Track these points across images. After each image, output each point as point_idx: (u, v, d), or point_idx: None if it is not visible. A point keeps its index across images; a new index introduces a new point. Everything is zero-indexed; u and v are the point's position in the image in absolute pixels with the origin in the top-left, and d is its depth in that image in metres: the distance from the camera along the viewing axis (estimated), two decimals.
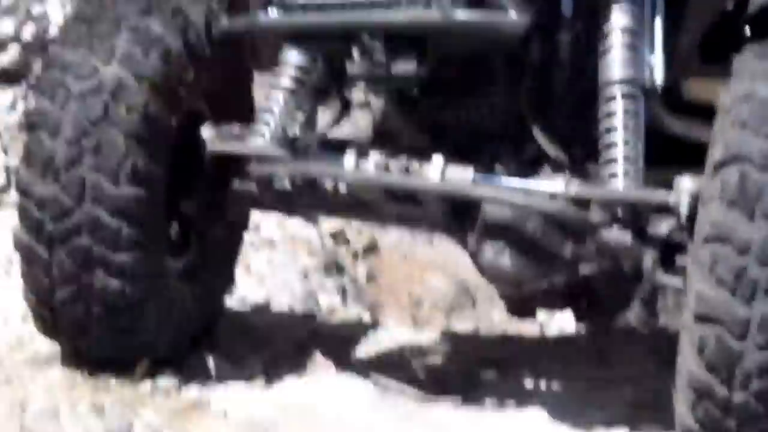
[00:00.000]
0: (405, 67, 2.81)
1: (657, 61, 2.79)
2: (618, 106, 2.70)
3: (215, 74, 3.15)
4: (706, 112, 2.80)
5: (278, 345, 3.57)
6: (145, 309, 2.94)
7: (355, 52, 2.89)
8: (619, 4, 2.76)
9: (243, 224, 3.57)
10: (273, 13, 2.93)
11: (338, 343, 3.71)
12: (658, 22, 2.83)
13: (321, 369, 3.32)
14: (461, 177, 2.82)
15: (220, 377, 3.15)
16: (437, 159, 2.83)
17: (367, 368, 3.49)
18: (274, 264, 4.42)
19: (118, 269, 2.84)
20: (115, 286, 2.85)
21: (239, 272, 4.22)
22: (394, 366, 3.59)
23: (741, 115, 2.30)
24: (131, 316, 2.92)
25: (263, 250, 4.44)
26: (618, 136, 2.68)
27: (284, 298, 4.24)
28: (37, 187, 2.82)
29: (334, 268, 4.73)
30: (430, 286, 4.91)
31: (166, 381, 2.96)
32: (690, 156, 2.78)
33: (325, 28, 2.96)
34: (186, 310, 3.14)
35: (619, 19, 2.74)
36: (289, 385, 3.18)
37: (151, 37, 2.89)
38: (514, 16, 2.64)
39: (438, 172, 2.81)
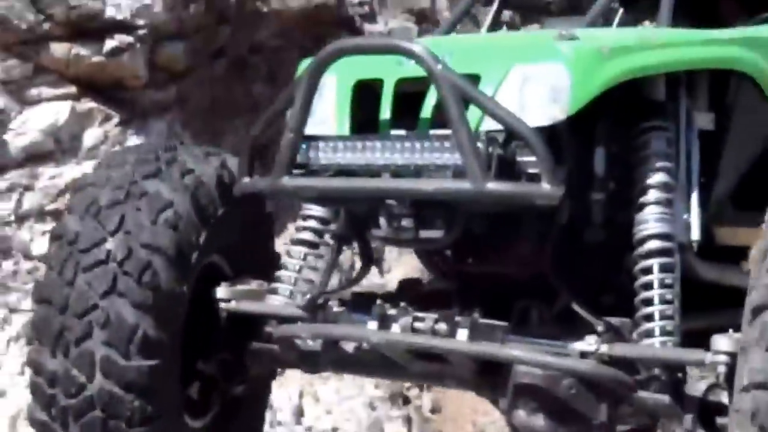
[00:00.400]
0: (432, 232, 2.67)
1: (693, 216, 2.78)
2: (654, 262, 2.63)
3: (231, 231, 3.12)
4: (738, 256, 2.80)
5: None
6: None
7: (381, 215, 2.72)
8: (653, 161, 2.71)
9: (267, 380, 3.49)
10: (296, 175, 2.76)
11: None
12: (694, 178, 2.83)
13: None
14: (490, 338, 2.69)
15: None
16: (465, 320, 2.71)
17: None
18: (341, 394, 4.50)
19: None
20: None
21: (308, 402, 4.29)
22: None
23: None
24: None
25: (331, 381, 4.54)
26: (654, 293, 2.62)
27: (351, 428, 4.30)
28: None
29: (400, 398, 4.79)
30: (494, 417, 4.93)
31: None
32: (724, 300, 2.78)
33: (351, 193, 2.77)
34: None
35: (654, 177, 2.70)
36: None
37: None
38: (547, 188, 2.47)
39: (466, 334, 2.68)
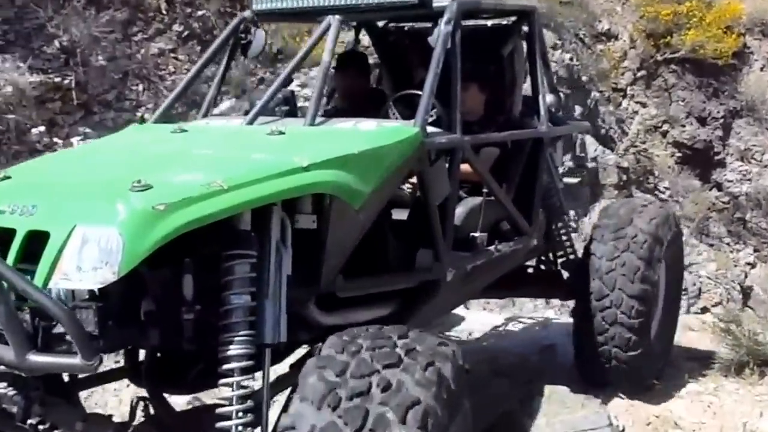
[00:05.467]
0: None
1: (282, 320, 2.97)
2: (234, 381, 2.81)
3: None
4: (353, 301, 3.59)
5: None
6: None
7: None
8: (236, 286, 2.86)
9: None
10: None
11: None
12: (282, 290, 2.99)
13: None
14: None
15: None
16: None
17: None
18: None
19: None
20: None
21: None
22: None
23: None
24: None
25: None
26: (234, 399, 2.80)
27: None
28: None
29: None
30: None
31: None
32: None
33: None
34: None
35: (235, 300, 2.86)
36: None
37: None
38: (80, 362, 2.62)
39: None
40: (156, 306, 2.95)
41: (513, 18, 5.16)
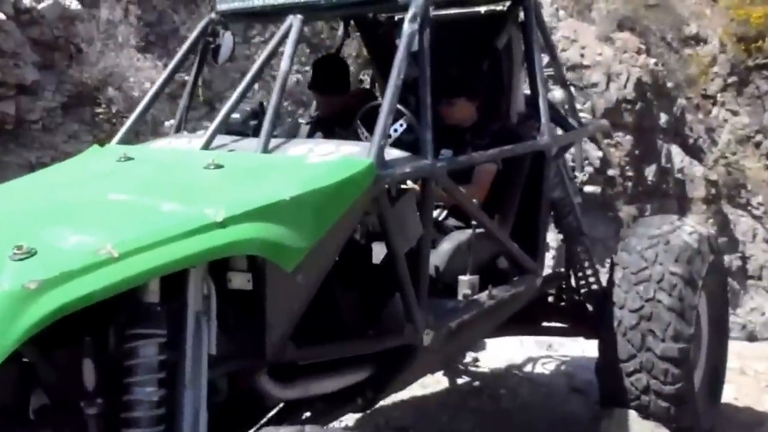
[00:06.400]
0: None
1: (202, 414, 2.48)
2: None
3: None
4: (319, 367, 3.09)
5: None
6: None
7: None
8: (139, 373, 2.38)
9: None
10: None
11: None
12: (203, 383, 2.52)
13: None
14: None
15: None
16: None
17: None
18: None
19: None
20: None
21: None
22: None
23: None
24: None
25: None
26: None
27: None
28: None
29: None
30: None
31: None
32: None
33: None
34: None
35: (137, 391, 2.38)
36: None
37: None
38: None
39: None
40: (50, 399, 2.40)
41: (507, 3, 4.41)
